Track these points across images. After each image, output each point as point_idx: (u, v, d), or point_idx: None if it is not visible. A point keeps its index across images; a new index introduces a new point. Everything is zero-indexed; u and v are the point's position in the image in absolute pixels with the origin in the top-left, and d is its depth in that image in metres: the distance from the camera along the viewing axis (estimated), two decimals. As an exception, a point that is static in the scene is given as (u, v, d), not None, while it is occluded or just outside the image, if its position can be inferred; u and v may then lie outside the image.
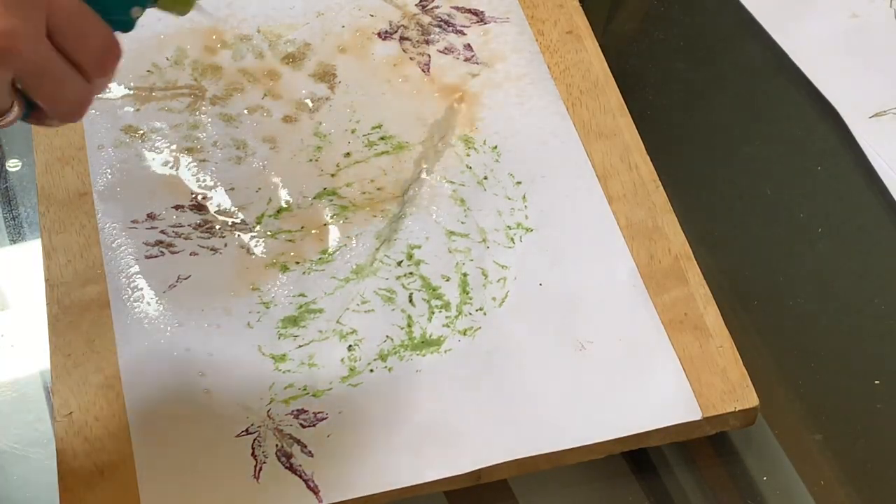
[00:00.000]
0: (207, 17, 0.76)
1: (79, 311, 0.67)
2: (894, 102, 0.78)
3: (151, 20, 0.79)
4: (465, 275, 0.68)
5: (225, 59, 0.78)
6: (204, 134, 0.75)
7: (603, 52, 0.79)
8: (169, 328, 0.66)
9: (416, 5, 0.81)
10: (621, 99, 0.76)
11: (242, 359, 0.65)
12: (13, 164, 0.77)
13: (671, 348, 0.65)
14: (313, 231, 0.70)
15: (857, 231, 0.74)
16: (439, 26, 0.80)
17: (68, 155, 0.74)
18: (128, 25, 0.57)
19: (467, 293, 0.68)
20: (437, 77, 0.78)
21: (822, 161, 0.77)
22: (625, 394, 0.64)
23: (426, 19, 0.80)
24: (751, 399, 0.64)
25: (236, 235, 0.70)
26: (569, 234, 0.70)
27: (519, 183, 0.72)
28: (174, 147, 0.74)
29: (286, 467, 0.61)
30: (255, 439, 0.62)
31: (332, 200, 0.72)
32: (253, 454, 0.62)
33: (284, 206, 0.72)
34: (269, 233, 0.70)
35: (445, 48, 0.79)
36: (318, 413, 0.63)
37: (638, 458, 0.65)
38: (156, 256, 0.69)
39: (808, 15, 0.84)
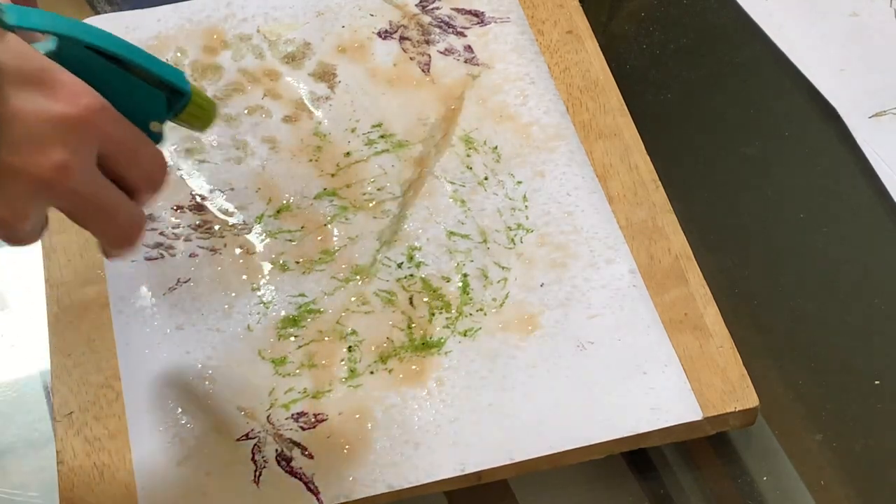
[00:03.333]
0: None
1: (79, 311, 0.67)
2: (894, 102, 0.78)
3: (150, 21, 0.80)
4: (465, 276, 0.68)
5: (225, 59, 0.78)
6: (203, 134, 0.74)
7: (603, 52, 0.79)
8: (168, 330, 0.66)
9: (416, 5, 0.81)
10: (621, 99, 0.76)
11: (242, 362, 0.65)
12: (13, 164, 0.77)
13: (671, 348, 0.65)
14: (314, 231, 0.70)
15: (857, 231, 0.74)
16: (439, 27, 0.80)
17: (68, 155, 0.73)
18: (154, 138, 0.55)
19: (468, 294, 0.68)
20: (437, 77, 0.77)
21: (822, 161, 0.77)
22: (625, 394, 0.64)
23: (426, 19, 0.80)
24: (751, 399, 0.64)
25: (236, 236, 0.70)
26: (569, 234, 0.70)
27: (519, 183, 0.72)
28: (174, 147, 0.74)
29: (286, 471, 0.61)
30: (254, 444, 0.62)
31: (332, 201, 0.72)
32: (253, 459, 0.62)
33: (284, 206, 0.71)
34: (269, 233, 0.70)
35: (446, 49, 0.79)
36: (318, 415, 0.63)
37: (638, 458, 0.65)
38: (155, 259, 0.69)
39: (808, 14, 0.83)
